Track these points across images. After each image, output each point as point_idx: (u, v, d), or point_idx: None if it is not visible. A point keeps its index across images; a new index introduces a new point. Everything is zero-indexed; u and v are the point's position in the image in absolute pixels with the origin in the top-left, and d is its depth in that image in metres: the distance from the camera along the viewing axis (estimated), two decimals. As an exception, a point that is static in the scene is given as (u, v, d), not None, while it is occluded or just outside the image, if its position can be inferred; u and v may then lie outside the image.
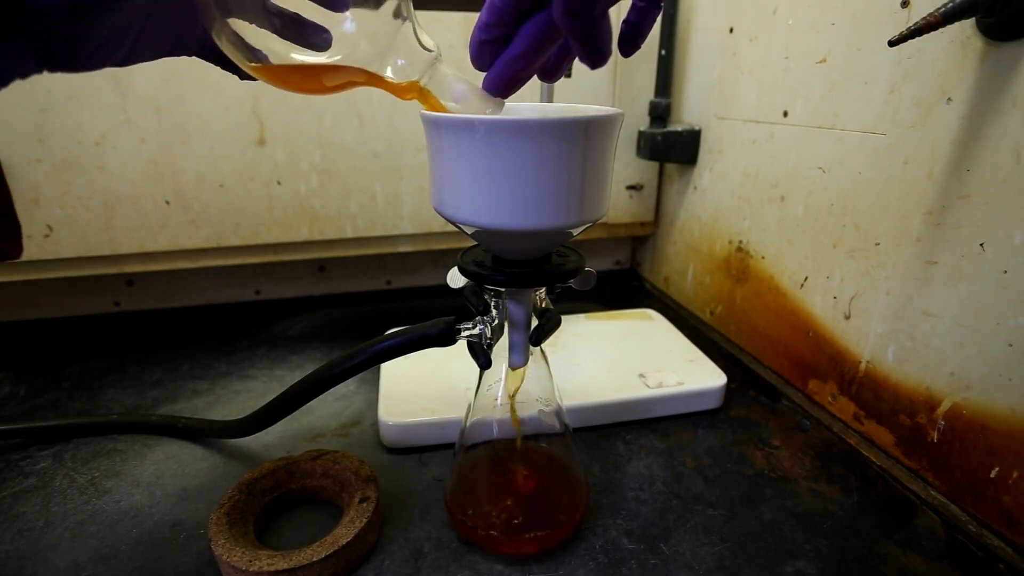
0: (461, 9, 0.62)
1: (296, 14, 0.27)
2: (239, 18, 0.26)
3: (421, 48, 0.27)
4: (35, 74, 0.22)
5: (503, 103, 0.28)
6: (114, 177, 0.58)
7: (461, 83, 0.28)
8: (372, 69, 0.27)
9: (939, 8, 0.32)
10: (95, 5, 0.22)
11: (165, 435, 0.46)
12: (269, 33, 0.27)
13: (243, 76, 0.29)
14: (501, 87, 0.27)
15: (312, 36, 0.27)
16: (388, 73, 0.28)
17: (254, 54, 0.27)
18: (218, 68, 0.30)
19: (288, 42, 0.27)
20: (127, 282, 0.69)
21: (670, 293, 0.76)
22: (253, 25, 0.27)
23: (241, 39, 0.27)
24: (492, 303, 0.33)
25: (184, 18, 0.27)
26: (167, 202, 0.60)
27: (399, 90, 0.28)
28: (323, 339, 0.63)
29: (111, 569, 0.34)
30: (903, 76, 0.39)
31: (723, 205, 0.62)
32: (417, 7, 0.29)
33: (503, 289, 0.32)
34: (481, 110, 0.28)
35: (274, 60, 0.27)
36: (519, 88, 0.28)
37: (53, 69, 0.23)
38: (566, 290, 0.34)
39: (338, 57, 0.27)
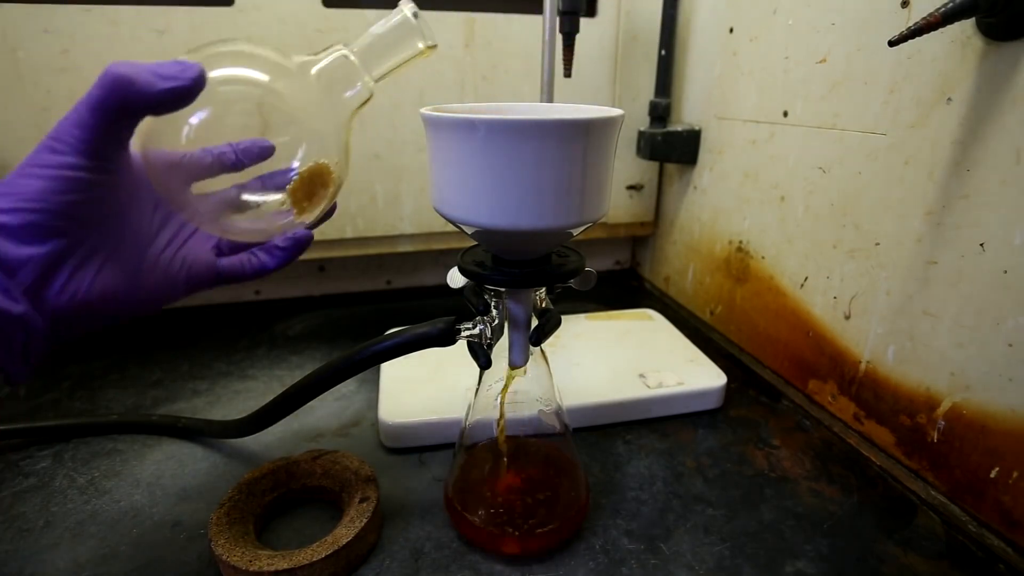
0: (461, 9, 0.62)
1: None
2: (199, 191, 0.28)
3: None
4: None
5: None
6: (114, 177, 0.58)
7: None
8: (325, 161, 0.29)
9: (939, 8, 0.32)
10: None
11: (165, 435, 0.46)
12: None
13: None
14: None
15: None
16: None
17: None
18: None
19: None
20: (127, 282, 0.69)
21: (670, 293, 0.76)
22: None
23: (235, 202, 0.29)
24: (492, 303, 0.33)
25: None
26: (167, 202, 0.60)
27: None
28: (323, 339, 0.63)
29: (111, 569, 0.34)
30: (903, 76, 0.39)
31: (723, 205, 0.62)
32: (419, 7, 0.30)
33: (503, 289, 0.32)
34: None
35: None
36: None
37: None
38: (566, 290, 0.34)
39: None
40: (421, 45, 0.31)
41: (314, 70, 0.29)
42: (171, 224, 0.30)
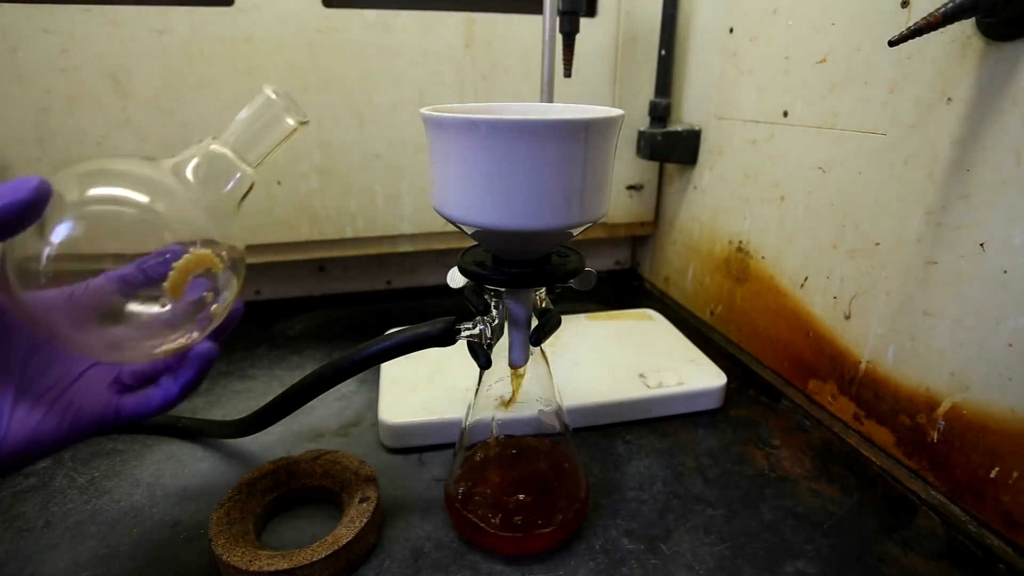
0: (461, 9, 0.62)
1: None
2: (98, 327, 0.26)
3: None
4: None
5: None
6: (114, 177, 0.58)
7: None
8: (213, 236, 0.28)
9: (939, 8, 0.32)
10: None
11: (165, 435, 0.46)
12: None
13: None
14: None
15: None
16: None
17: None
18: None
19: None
20: (127, 282, 0.69)
21: (670, 293, 0.76)
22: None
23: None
24: (492, 303, 0.33)
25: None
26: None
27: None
28: (323, 339, 0.63)
29: (111, 569, 0.34)
30: (903, 76, 0.39)
31: (723, 205, 0.62)
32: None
33: (503, 289, 0.32)
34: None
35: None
36: None
37: None
38: (566, 290, 0.34)
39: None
40: (291, 122, 0.30)
41: (188, 171, 0.28)
42: (58, 364, 0.27)
